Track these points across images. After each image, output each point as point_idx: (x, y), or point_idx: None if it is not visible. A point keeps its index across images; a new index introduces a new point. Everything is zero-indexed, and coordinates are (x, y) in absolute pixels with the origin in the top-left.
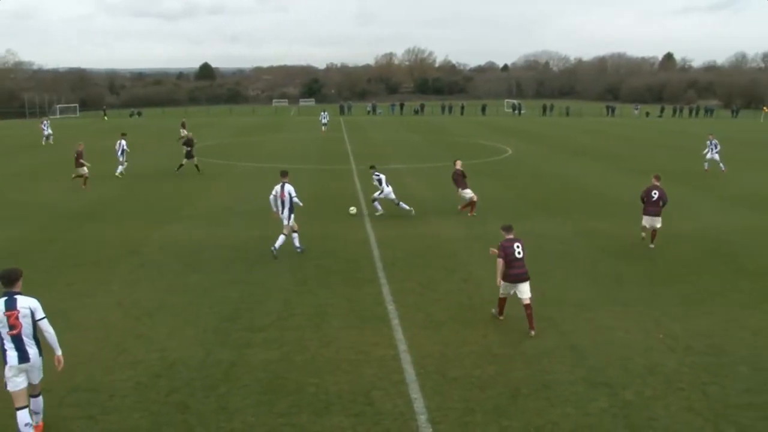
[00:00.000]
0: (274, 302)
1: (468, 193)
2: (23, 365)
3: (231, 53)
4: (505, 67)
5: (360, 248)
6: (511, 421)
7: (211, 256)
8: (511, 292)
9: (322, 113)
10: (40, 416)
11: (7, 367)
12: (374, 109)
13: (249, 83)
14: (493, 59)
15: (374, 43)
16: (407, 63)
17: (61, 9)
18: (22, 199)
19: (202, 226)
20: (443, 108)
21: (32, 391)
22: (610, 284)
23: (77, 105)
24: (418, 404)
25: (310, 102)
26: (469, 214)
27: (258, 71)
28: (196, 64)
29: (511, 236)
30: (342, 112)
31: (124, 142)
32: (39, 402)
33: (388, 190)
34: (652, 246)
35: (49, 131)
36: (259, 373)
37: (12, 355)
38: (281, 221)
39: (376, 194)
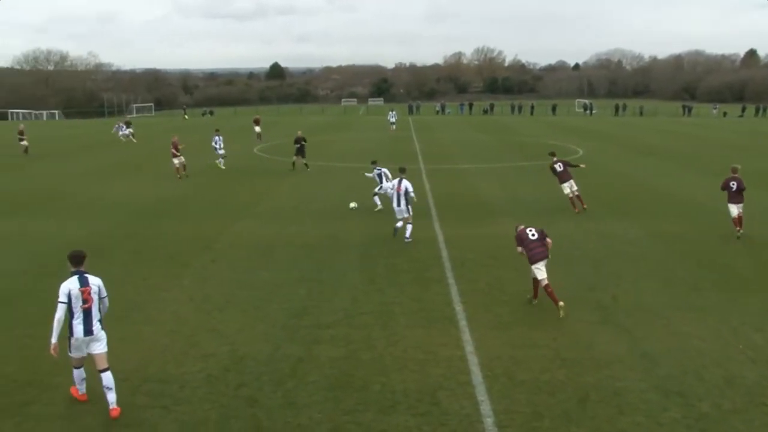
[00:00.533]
0: (342, 300)
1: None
2: (87, 338)
3: (301, 53)
4: (576, 66)
5: (428, 248)
6: (579, 428)
7: (280, 254)
8: (537, 270)
9: (390, 112)
10: (114, 394)
11: (72, 338)
12: (443, 108)
13: (318, 83)
14: (564, 58)
15: (443, 42)
16: (476, 62)
17: (139, 12)
18: (104, 195)
19: (272, 223)
20: (513, 108)
21: (100, 366)
22: (685, 289)
23: (152, 104)
24: (485, 407)
25: (379, 101)
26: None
27: (327, 71)
28: (266, 64)
29: (522, 226)
30: (410, 111)
31: (219, 137)
32: (109, 377)
33: (386, 185)
34: (740, 231)
35: (126, 131)
36: (326, 369)
37: (78, 329)
38: (394, 212)
39: (375, 189)
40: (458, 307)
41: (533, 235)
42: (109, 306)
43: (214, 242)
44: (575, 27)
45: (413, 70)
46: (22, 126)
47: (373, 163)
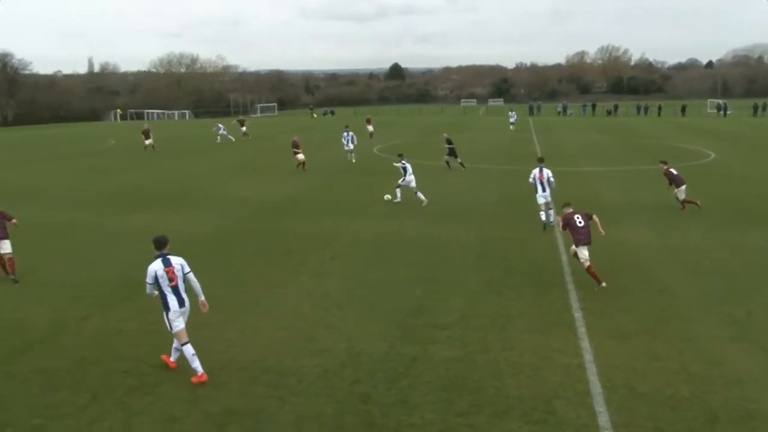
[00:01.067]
0: (459, 301)
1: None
2: (182, 309)
3: (420, 53)
4: (710, 63)
5: (548, 251)
6: None
7: (398, 253)
8: (580, 253)
9: (510, 112)
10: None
11: (171, 312)
12: (564, 109)
13: (438, 83)
14: (696, 56)
15: (566, 41)
16: (600, 61)
17: (264, 16)
18: (228, 192)
19: (390, 222)
20: (638, 109)
21: (185, 338)
22: None
23: (276, 104)
24: (603, 418)
25: (499, 102)
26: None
27: (447, 71)
28: (386, 65)
29: (570, 210)
30: (531, 112)
31: (351, 133)
32: (190, 347)
33: (410, 178)
34: None
35: (224, 132)
36: (440, 370)
37: (173, 302)
38: (537, 199)
39: (399, 181)
40: (577, 314)
41: (580, 222)
42: (230, 299)
43: (333, 240)
44: (709, 22)
45: (534, 69)
46: (146, 126)
47: (400, 155)
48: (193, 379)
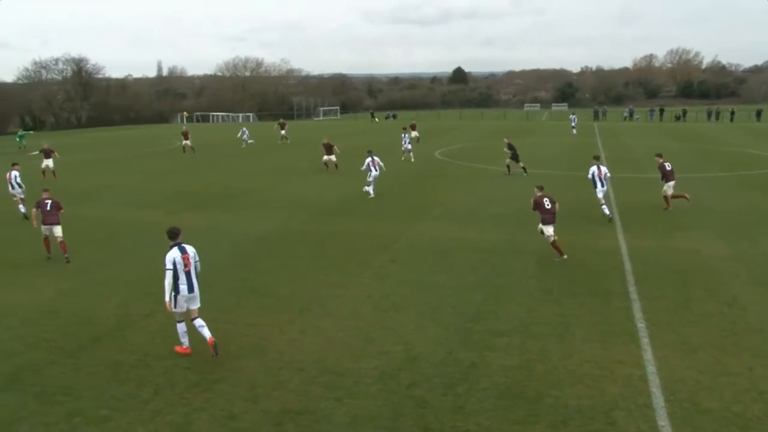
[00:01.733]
0: (518, 308)
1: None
2: (191, 294)
3: (483, 57)
4: None
5: (610, 259)
6: None
7: (457, 257)
8: (546, 231)
9: (572, 116)
10: (207, 330)
11: (179, 296)
12: (631, 114)
13: (501, 87)
14: None
15: (633, 44)
16: (669, 65)
17: (327, 20)
18: (290, 193)
19: (450, 226)
20: (709, 113)
21: (194, 315)
22: None
23: (338, 108)
24: None
25: (563, 106)
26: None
27: (510, 75)
28: (449, 68)
29: (541, 193)
30: (596, 117)
31: (407, 135)
32: (200, 321)
33: (376, 173)
34: None
35: (246, 137)
36: (497, 377)
37: (184, 287)
38: (598, 193)
39: (368, 178)
40: (640, 324)
41: (548, 204)
42: (291, 298)
43: (394, 243)
44: None
45: (600, 73)
46: (185, 128)
47: (369, 152)
48: (176, 348)
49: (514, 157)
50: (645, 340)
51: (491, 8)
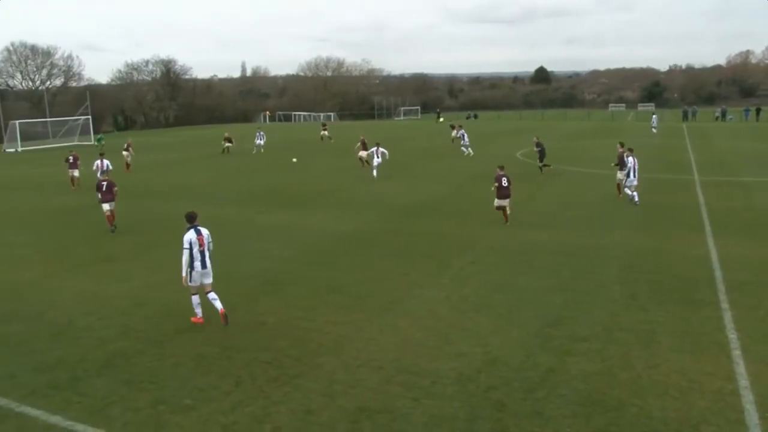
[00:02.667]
0: (600, 313)
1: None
2: (203, 270)
3: (567, 56)
4: None
5: (699, 266)
6: None
7: (539, 260)
8: (499, 204)
9: (653, 116)
10: (219, 302)
11: (194, 272)
12: (723, 114)
13: (585, 87)
14: None
15: (727, 40)
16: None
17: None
18: (370, 192)
19: (531, 228)
20: None
21: (208, 290)
22: None
23: (419, 107)
24: None
25: (650, 106)
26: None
27: (594, 74)
28: (531, 68)
29: (502, 173)
30: (685, 117)
31: (463, 131)
32: (213, 294)
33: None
34: None
35: (261, 142)
36: (578, 383)
37: (198, 264)
38: (626, 181)
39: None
40: (732, 335)
41: (505, 183)
42: (370, 297)
43: (474, 244)
44: None
45: (690, 72)
46: (227, 134)
47: (377, 144)
48: (192, 319)
49: (541, 156)
50: (737, 353)
51: (576, 6)
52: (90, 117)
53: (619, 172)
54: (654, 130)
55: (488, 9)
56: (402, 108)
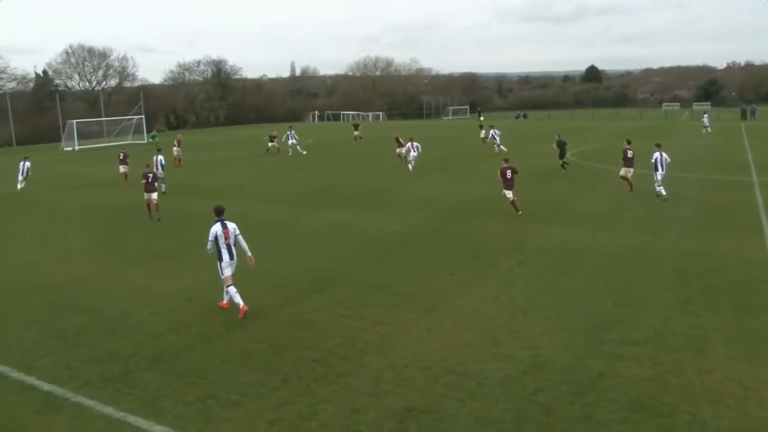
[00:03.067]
0: (652, 317)
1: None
2: (231, 261)
3: (619, 55)
4: None
5: (757, 270)
6: None
7: (588, 262)
8: (505, 194)
9: (705, 116)
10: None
11: (223, 262)
12: None
13: (637, 86)
14: None
15: None
16: None
17: (458, 19)
18: (418, 192)
19: (581, 229)
20: None
21: (231, 282)
22: None
23: (467, 107)
24: None
25: (706, 105)
26: None
27: (648, 73)
28: (582, 67)
29: (506, 165)
30: (743, 116)
31: (495, 131)
32: (234, 289)
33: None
34: None
35: (293, 141)
36: (628, 388)
37: (226, 255)
38: (656, 176)
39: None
40: None
41: (509, 176)
42: (417, 297)
43: (523, 244)
44: None
45: (749, 69)
46: (275, 132)
47: (411, 139)
48: (240, 316)
49: (561, 155)
50: None
51: (628, 3)
52: (143, 116)
53: (623, 168)
54: (707, 130)
55: (538, 7)
56: (450, 107)
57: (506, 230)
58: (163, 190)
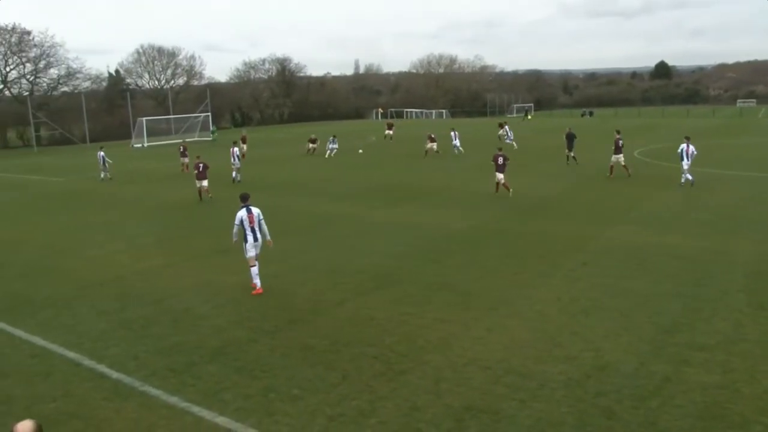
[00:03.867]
0: (722, 322)
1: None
2: (255, 243)
3: (691, 50)
4: None
5: None
6: None
7: (655, 264)
8: (498, 178)
9: None
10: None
11: (248, 244)
12: None
13: (710, 82)
14: None
15: None
16: None
17: (522, 15)
18: (483, 190)
19: (649, 231)
20: None
21: (254, 262)
22: None
23: (532, 105)
24: None
25: None
26: None
27: (721, 68)
28: (651, 63)
29: (499, 152)
30: None
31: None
32: (256, 270)
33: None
34: None
35: (334, 146)
36: (695, 395)
37: (250, 237)
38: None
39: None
40: None
41: (500, 161)
42: (479, 296)
43: (587, 245)
44: None
45: None
46: (314, 136)
47: (452, 129)
48: (252, 292)
49: (569, 147)
50: None
51: None
52: (210, 114)
53: (614, 155)
54: None
55: (605, 2)
56: (515, 105)
57: (570, 230)
58: (239, 179)
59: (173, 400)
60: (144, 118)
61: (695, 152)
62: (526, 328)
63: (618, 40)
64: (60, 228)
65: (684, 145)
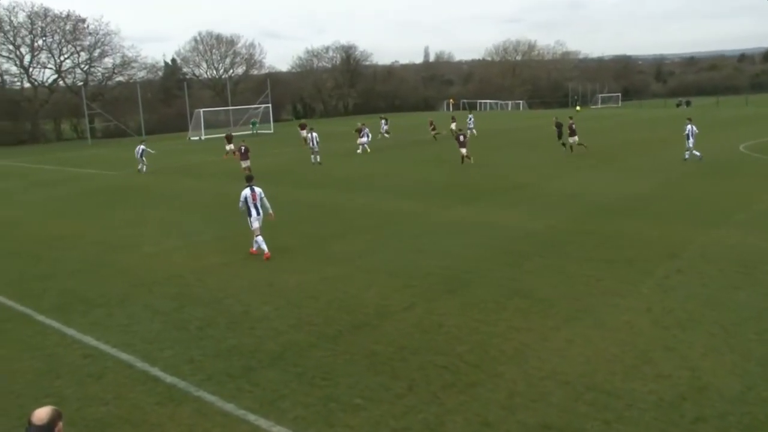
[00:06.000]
0: None
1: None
2: (258, 216)
3: None
4: None
5: None
6: None
7: (765, 272)
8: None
9: None
10: (265, 244)
11: (252, 218)
12: None
13: None
14: None
15: None
16: None
17: None
18: (562, 188)
19: (758, 234)
20: None
21: (259, 233)
22: None
23: (619, 94)
24: None
25: None
26: None
27: None
28: (763, 44)
29: (459, 132)
30: None
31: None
32: (262, 237)
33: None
34: None
35: (364, 140)
36: None
37: (254, 212)
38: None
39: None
40: None
41: (461, 138)
42: (559, 304)
43: (682, 249)
44: None
45: None
46: (360, 124)
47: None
48: (264, 256)
49: (559, 135)
50: None
51: None
52: (270, 105)
53: (570, 137)
54: None
55: None
56: (600, 95)
57: (663, 232)
58: (318, 160)
59: (229, 407)
60: (201, 110)
61: (696, 131)
62: (611, 341)
63: (722, 18)
64: (115, 224)
65: (689, 126)
